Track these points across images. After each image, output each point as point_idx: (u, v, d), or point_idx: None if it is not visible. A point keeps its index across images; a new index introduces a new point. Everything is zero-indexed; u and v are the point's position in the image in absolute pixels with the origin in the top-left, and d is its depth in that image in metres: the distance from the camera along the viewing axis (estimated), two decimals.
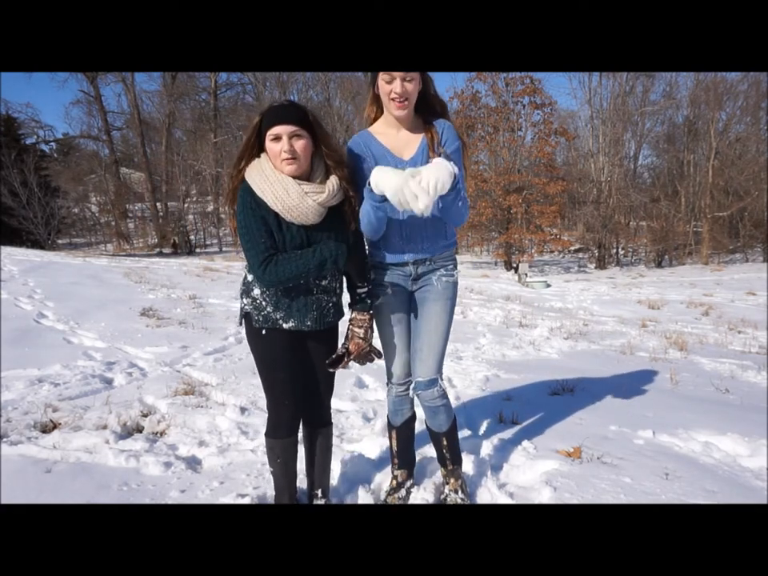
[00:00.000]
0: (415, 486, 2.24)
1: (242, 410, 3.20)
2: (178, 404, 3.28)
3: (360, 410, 3.25)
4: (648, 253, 26.17)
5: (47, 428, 2.86)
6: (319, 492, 2.07)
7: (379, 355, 2.00)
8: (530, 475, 2.34)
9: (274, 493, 2.04)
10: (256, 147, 1.75)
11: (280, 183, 1.69)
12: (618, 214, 25.48)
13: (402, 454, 2.22)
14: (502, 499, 2.14)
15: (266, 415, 1.96)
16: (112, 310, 6.20)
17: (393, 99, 1.79)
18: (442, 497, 2.15)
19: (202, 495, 2.21)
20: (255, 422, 3.01)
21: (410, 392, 2.08)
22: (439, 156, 1.85)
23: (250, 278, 1.85)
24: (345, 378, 3.78)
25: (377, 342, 2.01)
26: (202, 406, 3.28)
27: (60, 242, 27.37)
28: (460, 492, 2.12)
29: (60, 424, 2.91)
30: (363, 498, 2.16)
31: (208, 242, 30.69)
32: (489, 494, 2.19)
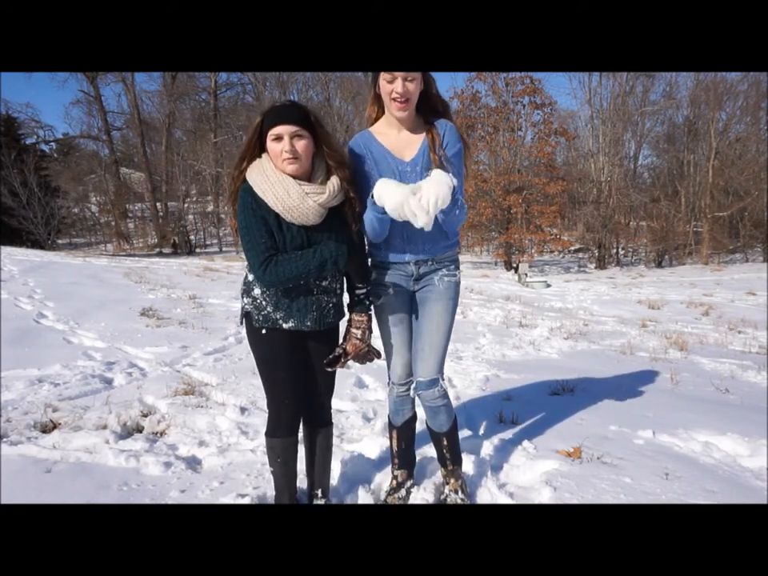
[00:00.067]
0: (415, 486, 2.24)
1: (242, 410, 3.20)
2: (178, 404, 3.28)
3: (360, 410, 3.25)
4: (648, 253, 26.18)
5: (47, 428, 2.86)
6: (319, 492, 2.07)
7: (378, 355, 2.00)
8: (529, 475, 2.34)
9: (274, 493, 2.04)
10: (257, 147, 1.76)
11: (281, 183, 1.69)
12: (617, 214, 25.48)
13: (403, 454, 2.22)
14: (502, 499, 2.14)
15: (266, 415, 1.96)
16: (112, 310, 6.20)
17: (394, 99, 1.79)
18: (442, 497, 2.15)
19: (202, 495, 2.21)
20: (255, 421, 3.01)
21: (411, 392, 2.08)
22: (440, 158, 1.85)
23: (250, 277, 1.86)
24: (345, 378, 3.78)
25: (378, 342, 2.01)
26: (202, 406, 3.28)
27: (60, 241, 27.37)
28: (460, 492, 2.12)
29: (60, 424, 2.91)
30: (363, 498, 2.16)
31: (208, 242, 30.69)
32: (489, 493, 2.19)
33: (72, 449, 2.58)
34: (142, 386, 3.66)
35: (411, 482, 2.24)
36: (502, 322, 6.83)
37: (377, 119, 1.96)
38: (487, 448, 2.61)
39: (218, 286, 9.33)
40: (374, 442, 2.69)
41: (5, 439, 2.65)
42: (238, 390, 3.60)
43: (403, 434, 2.20)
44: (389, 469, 2.30)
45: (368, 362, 2.00)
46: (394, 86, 1.76)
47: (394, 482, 2.22)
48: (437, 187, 1.66)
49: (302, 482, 2.16)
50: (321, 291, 1.86)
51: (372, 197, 1.76)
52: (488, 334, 5.88)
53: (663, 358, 4.77)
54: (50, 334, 4.96)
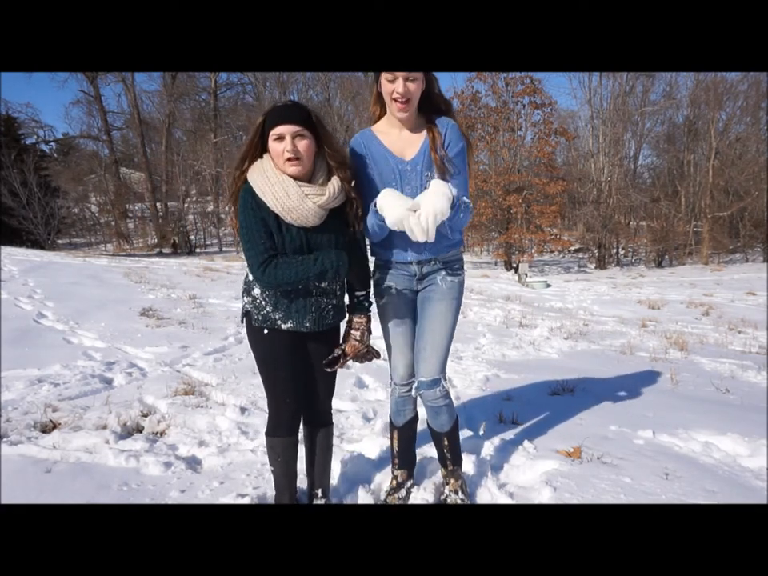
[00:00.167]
0: (415, 486, 2.24)
1: (242, 409, 3.20)
2: (178, 404, 3.28)
3: (360, 410, 3.25)
4: (648, 253, 26.17)
5: (47, 428, 2.86)
6: (319, 492, 2.07)
7: (377, 355, 2.00)
8: (529, 475, 2.34)
9: (274, 493, 2.04)
10: (259, 148, 1.76)
11: (280, 184, 1.69)
12: (617, 214, 25.47)
13: (403, 455, 2.22)
14: (502, 499, 2.14)
15: (266, 415, 1.96)
16: (112, 310, 6.20)
17: (395, 99, 1.79)
18: (442, 497, 2.15)
19: (202, 495, 2.21)
20: (255, 421, 3.01)
21: (413, 392, 2.08)
22: (441, 158, 1.85)
23: (251, 277, 1.86)
24: (345, 378, 3.78)
25: (380, 342, 2.01)
26: (202, 406, 3.28)
27: (60, 241, 27.36)
28: (460, 492, 2.12)
29: (60, 424, 2.91)
30: (363, 498, 2.16)
31: (208, 242, 30.68)
32: (489, 493, 2.19)
33: (72, 449, 2.58)
34: (141, 386, 3.66)
35: (411, 482, 2.24)
36: (501, 322, 6.83)
37: (380, 117, 1.96)
38: (487, 448, 2.61)
39: (217, 286, 9.33)
40: (373, 442, 2.69)
41: (5, 439, 2.65)
42: (238, 390, 3.60)
43: (404, 434, 2.19)
44: (389, 469, 2.30)
45: (367, 362, 2.01)
46: (394, 86, 1.76)
47: (394, 482, 2.22)
48: (435, 203, 1.68)
49: (302, 482, 2.16)
50: (320, 293, 1.86)
51: (375, 204, 1.79)
52: (488, 334, 5.88)
53: (663, 357, 4.77)
54: (49, 334, 4.96)
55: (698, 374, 4.18)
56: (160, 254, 26.06)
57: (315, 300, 1.85)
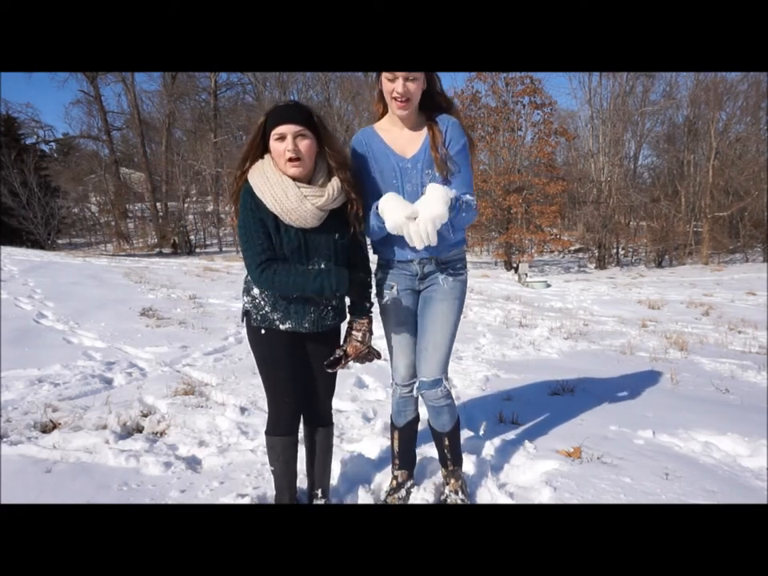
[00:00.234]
0: (415, 487, 2.24)
1: (242, 410, 3.20)
2: (178, 404, 3.28)
3: (360, 410, 3.25)
4: (648, 253, 26.17)
5: (47, 428, 2.86)
6: (319, 492, 2.07)
7: (378, 356, 2.00)
8: (529, 475, 2.34)
9: (274, 493, 2.04)
10: (260, 148, 1.75)
11: (279, 185, 1.69)
12: (618, 214, 25.47)
13: (403, 455, 2.22)
14: (502, 499, 2.14)
15: (266, 415, 1.96)
16: (112, 310, 6.20)
17: (395, 99, 1.79)
18: (442, 497, 2.14)
19: (202, 495, 2.21)
20: (255, 422, 3.01)
21: (414, 392, 2.08)
22: (441, 156, 1.85)
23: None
24: (345, 378, 3.78)
25: (381, 343, 2.01)
26: (202, 406, 3.28)
27: (60, 241, 27.36)
28: (460, 493, 2.12)
29: (60, 424, 2.91)
30: (363, 498, 2.16)
31: (208, 242, 30.68)
32: (489, 494, 2.19)
33: (72, 449, 2.58)
34: (141, 386, 3.66)
35: (411, 482, 2.24)
36: (501, 322, 6.83)
37: (383, 115, 1.97)
38: (487, 448, 2.61)
39: (217, 286, 9.33)
40: (373, 442, 2.69)
41: (5, 439, 2.65)
42: (238, 390, 3.60)
43: (405, 435, 2.19)
44: (389, 469, 2.30)
45: (368, 362, 2.01)
46: (394, 85, 1.77)
47: (394, 482, 2.22)
48: (432, 210, 1.68)
49: (302, 482, 2.16)
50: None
51: (377, 207, 1.79)
52: (488, 334, 5.88)
53: (663, 357, 4.77)
54: (49, 334, 4.96)
55: (698, 374, 4.18)
56: (160, 254, 26.06)
57: (315, 301, 1.85)
